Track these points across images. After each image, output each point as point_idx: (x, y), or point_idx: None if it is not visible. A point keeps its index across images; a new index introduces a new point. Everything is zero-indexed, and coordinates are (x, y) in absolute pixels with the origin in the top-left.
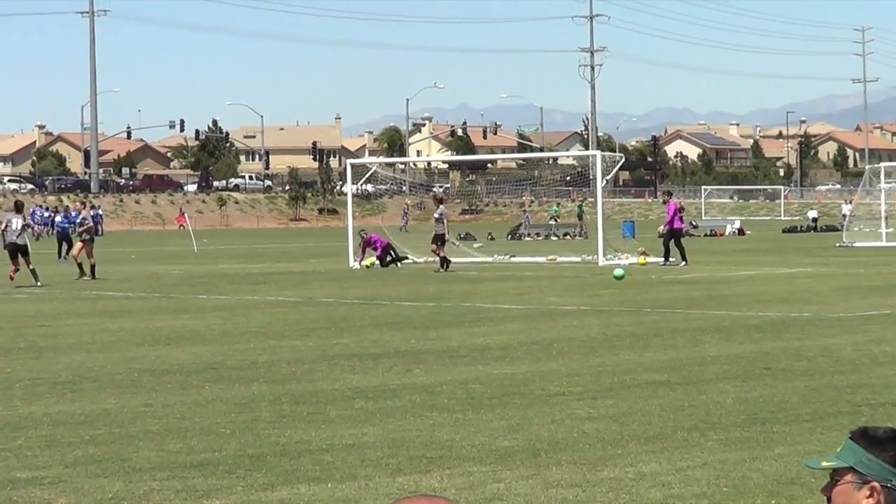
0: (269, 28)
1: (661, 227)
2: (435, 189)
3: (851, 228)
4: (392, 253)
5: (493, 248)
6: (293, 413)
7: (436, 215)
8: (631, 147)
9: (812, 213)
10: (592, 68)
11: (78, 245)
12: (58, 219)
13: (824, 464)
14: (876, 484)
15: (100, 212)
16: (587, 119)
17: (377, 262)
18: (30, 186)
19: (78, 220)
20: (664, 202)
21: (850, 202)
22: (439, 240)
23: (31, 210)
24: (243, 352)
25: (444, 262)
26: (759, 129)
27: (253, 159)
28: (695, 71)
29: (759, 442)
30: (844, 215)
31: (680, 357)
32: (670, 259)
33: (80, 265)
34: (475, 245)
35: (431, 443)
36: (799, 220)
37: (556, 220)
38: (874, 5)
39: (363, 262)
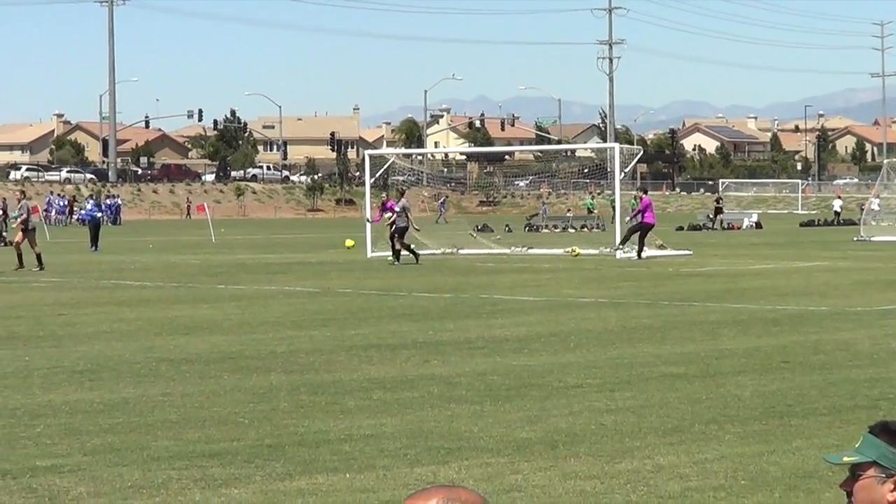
0: (287, 18)
1: (629, 217)
2: (399, 179)
3: (869, 223)
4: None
5: (511, 239)
6: (311, 403)
7: (397, 208)
8: (649, 140)
9: (837, 203)
10: (611, 61)
11: (19, 235)
12: (88, 206)
13: (846, 459)
14: None
15: (118, 201)
16: (605, 111)
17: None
18: (47, 175)
19: (16, 214)
20: (638, 198)
21: (878, 196)
22: (399, 232)
23: (47, 199)
24: (261, 342)
25: (397, 254)
26: (777, 122)
27: (271, 149)
28: (713, 64)
29: (777, 435)
30: (874, 210)
31: (698, 350)
32: (625, 246)
33: (19, 256)
34: (493, 237)
35: (449, 434)
36: (817, 213)
37: (590, 212)
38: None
39: (379, 220)
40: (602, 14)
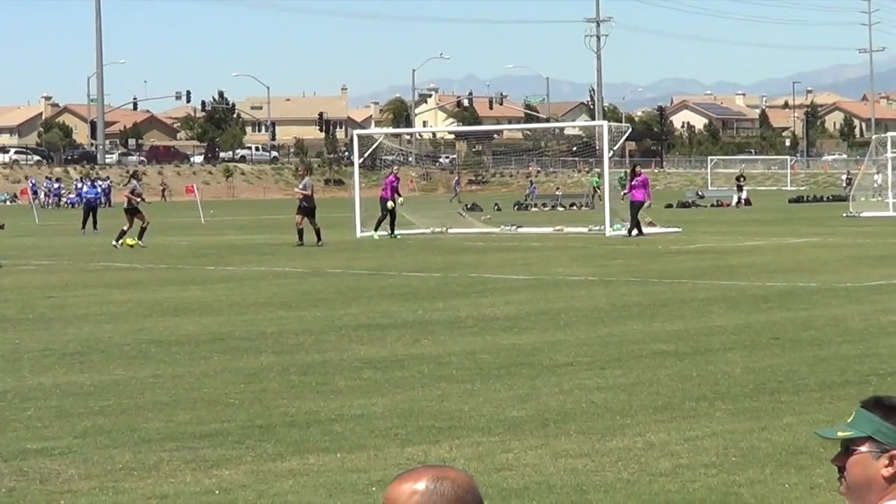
0: None
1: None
2: (307, 159)
3: (858, 198)
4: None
5: (500, 218)
6: (302, 384)
7: (299, 187)
8: (637, 117)
9: (878, 178)
10: (598, 39)
11: None
12: (84, 189)
13: (840, 434)
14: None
15: (109, 183)
16: (593, 89)
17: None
18: (36, 158)
19: None
20: (626, 175)
21: (879, 173)
22: (304, 212)
23: (31, 181)
24: (251, 322)
25: (301, 235)
26: (765, 99)
27: (259, 130)
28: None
29: (768, 411)
30: (879, 186)
31: (688, 327)
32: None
33: None
34: (483, 217)
35: (440, 413)
36: (805, 189)
37: (597, 190)
38: None
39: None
40: None
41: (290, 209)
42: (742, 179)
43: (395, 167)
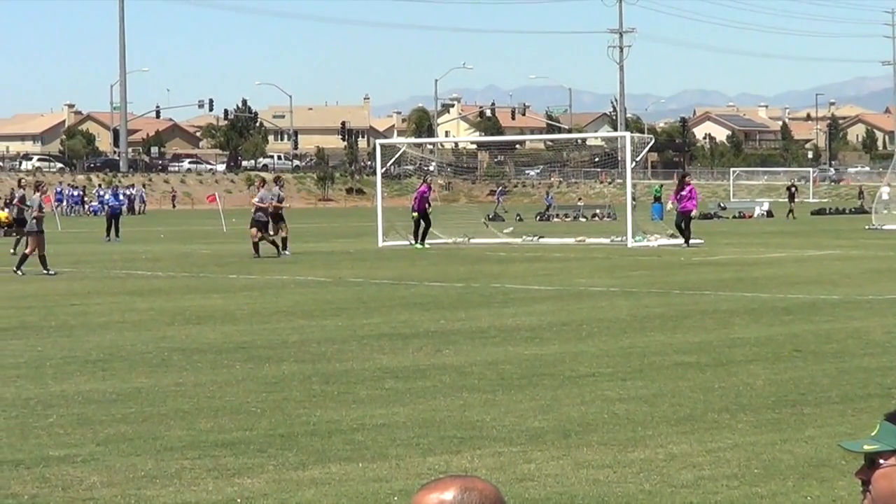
0: (298, 8)
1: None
2: (267, 175)
3: (881, 211)
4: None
5: (522, 229)
6: (323, 393)
7: (255, 200)
8: (659, 129)
9: (885, 191)
10: (621, 49)
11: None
12: (107, 196)
13: (866, 447)
14: None
15: (133, 192)
16: (616, 100)
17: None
18: (59, 165)
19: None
20: (687, 184)
21: (890, 185)
22: (257, 225)
23: (57, 189)
24: (273, 331)
25: (256, 248)
26: (787, 111)
27: (281, 139)
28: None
29: (790, 424)
30: (885, 199)
31: (709, 339)
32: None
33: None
34: (506, 230)
35: (462, 423)
36: (828, 202)
37: (658, 199)
38: None
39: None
40: (613, 2)
41: (311, 218)
42: (794, 189)
43: (429, 177)
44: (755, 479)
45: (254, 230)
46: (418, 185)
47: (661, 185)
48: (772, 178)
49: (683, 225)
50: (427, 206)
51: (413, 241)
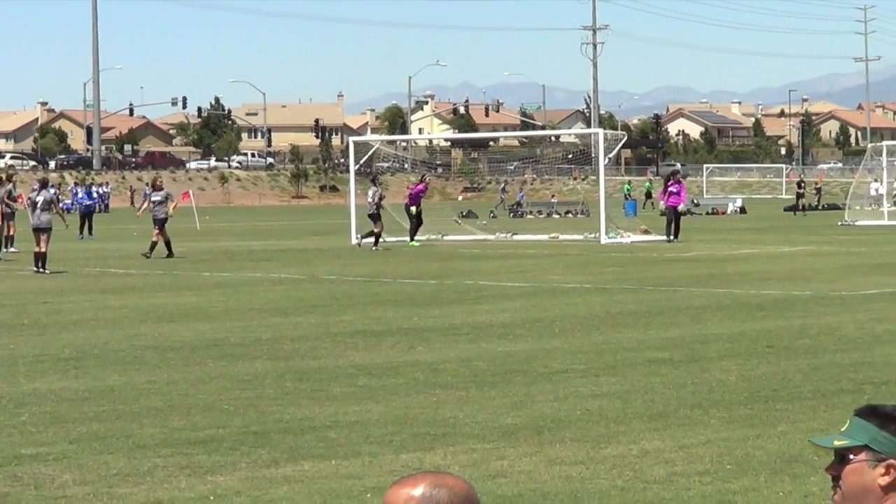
0: (272, 5)
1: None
2: (155, 173)
3: (853, 207)
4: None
5: (495, 225)
6: (297, 390)
7: (156, 198)
8: (633, 125)
9: (874, 187)
10: (595, 46)
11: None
12: (80, 195)
13: (837, 443)
14: (893, 461)
15: (107, 189)
16: (589, 97)
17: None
18: (31, 163)
19: None
20: (678, 180)
21: (877, 180)
22: (159, 224)
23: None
24: (246, 329)
25: (152, 247)
26: (760, 107)
27: (255, 136)
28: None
29: (763, 419)
30: (873, 195)
31: (683, 335)
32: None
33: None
34: (478, 223)
35: (435, 420)
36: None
37: (628, 196)
38: None
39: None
40: None
41: (285, 215)
42: (802, 185)
43: (427, 176)
44: (728, 475)
45: (156, 229)
46: (415, 182)
47: (651, 181)
48: (745, 175)
49: (674, 220)
50: (418, 203)
51: (360, 239)
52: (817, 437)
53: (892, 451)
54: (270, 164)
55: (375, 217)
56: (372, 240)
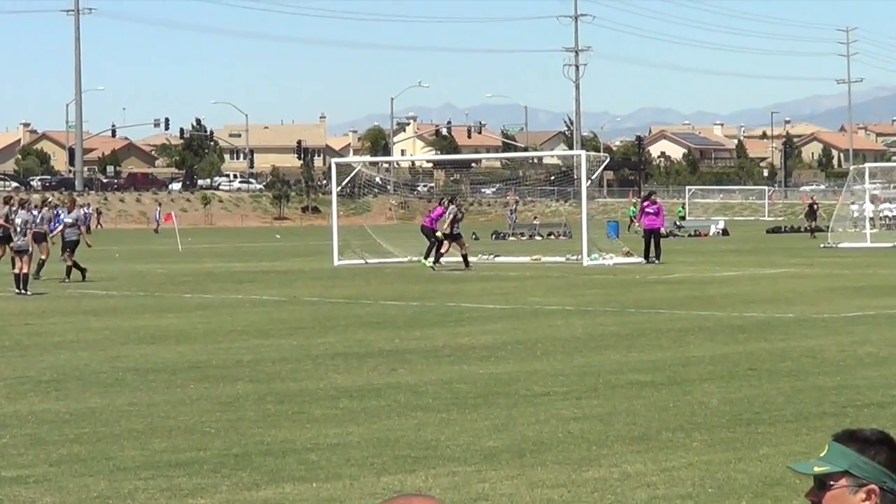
0: (254, 27)
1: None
2: (74, 193)
3: (836, 229)
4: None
5: (478, 247)
6: (278, 412)
7: (69, 219)
8: (615, 147)
9: (870, 208)
10: (577, 68)
11: None
12: (62, 216)
13: (817, 469)
14: (875, 486)
15: (89, 211)
16: (571, 119)
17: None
18: (14, 184)
19: None
20: (653, 202)
21: (855, 203)
22: (70, 246)
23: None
24: (228, 351)
25: (69, 271)
26: (743, 129)
27: (237, 158)
28: (679, 71)
29: (744, 443)
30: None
31: (664, 357)
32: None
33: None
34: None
35: (416, 442)
36: (783, 220)
37: (633, 220)
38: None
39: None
40: (568, 21)
41: (267, 237)
42: (816, 206)
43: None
44: (709, 499)
45: (67, 253)
46: (434, 206)
47: (634, 205)
48: (727, 197)
49: (653, 241)
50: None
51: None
52: (796, 464)
53: (873, 476)
54: (263, 186)
55: (457, 236)
56: (460, 259)
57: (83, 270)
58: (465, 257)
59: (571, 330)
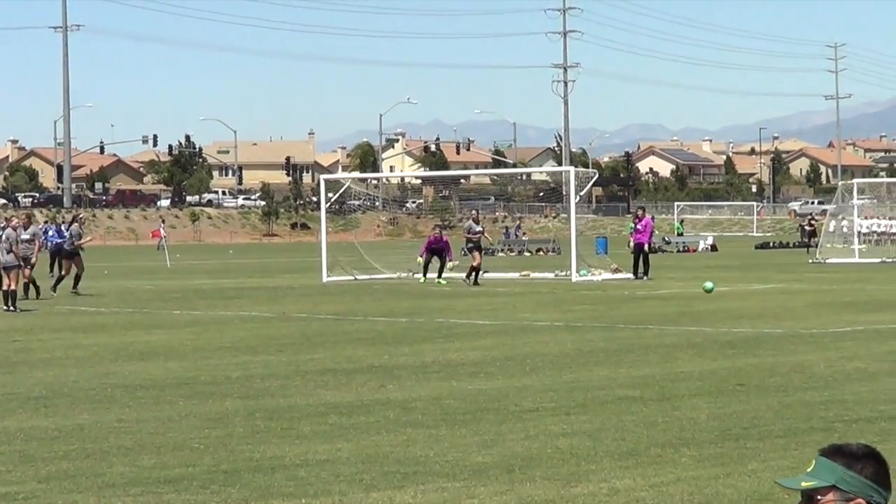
0: (242, 43)
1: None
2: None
3: (825, 245)
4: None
5: (467, 263)
6: (267, 428)
7: (25, 237)
8: (604, 163)
9: (866, 224)
10: (566, 84)
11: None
12: (50, 233)
13: (805, 484)
14: (862, 501)
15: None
16: (560, 135)
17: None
18: (1, 201)
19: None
20: (640, 217)
21: (867, 217)
22: (27, 262)
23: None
24: (217, 367)
25: (37, 290)
26: (731, 145)
27: (226, 174)
28: (668, 87)
29: (733, 458)
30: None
31: (653, 373)
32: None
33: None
34: (450, 264)
35: (405, 458)
36: (772, 235)
37: (681, 234)
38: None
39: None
40: (557, 37)
41: (256, 253)
42: (814, 221)
43: (437, 228)
44: None
45: (26, 270)
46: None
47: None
48: (716, 213)
49: (641, 258)
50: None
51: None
52: (784, 479)
53: (860, 490)
54: (247, 207)
55: (475, 249)
56: (474, 274)
57: (38, 288)
58: (476, 271)
59: (560, 346)
